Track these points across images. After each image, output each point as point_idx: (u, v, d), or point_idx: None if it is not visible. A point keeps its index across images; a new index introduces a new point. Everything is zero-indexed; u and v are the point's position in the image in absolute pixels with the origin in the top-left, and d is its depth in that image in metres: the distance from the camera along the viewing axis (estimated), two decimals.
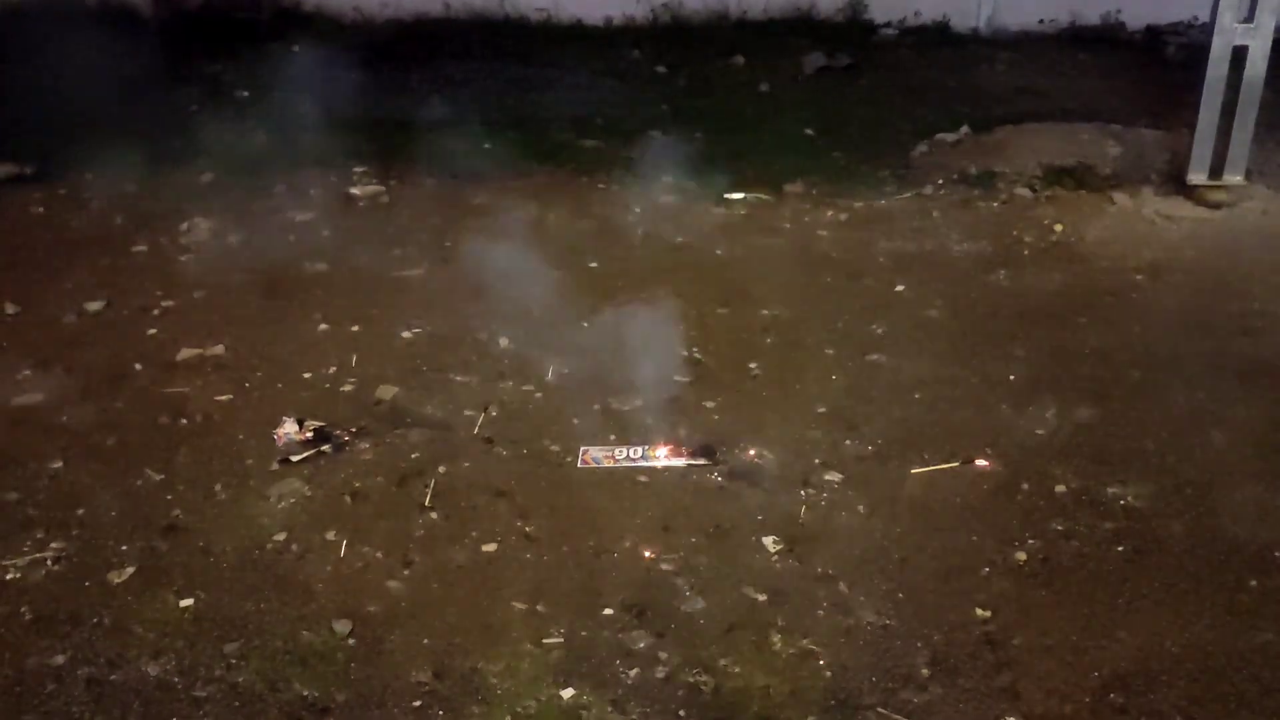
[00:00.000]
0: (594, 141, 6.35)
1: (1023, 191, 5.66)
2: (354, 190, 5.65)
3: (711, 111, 6.87)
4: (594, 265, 4.89)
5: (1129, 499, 3.36)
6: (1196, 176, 5.49)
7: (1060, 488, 3.41)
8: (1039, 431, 3.70)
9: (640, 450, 3.54)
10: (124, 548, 3.13)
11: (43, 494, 3.34)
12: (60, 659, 2.76)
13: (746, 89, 7.26)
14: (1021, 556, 3.13)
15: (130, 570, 3.04)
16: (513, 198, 5.50)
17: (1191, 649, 2.80)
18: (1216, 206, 5.45)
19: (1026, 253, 5.06)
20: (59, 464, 3.48)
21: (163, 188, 5.56)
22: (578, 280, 4.67)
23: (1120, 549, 3.15)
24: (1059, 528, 3.24)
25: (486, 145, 6.06)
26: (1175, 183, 5.59)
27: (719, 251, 5.09)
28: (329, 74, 7.01)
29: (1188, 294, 4.66)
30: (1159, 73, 7.21)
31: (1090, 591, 3.00)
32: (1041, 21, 8.28)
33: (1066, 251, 5.07)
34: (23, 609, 2.91)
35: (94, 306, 4.46)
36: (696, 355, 4.14)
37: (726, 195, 5.68)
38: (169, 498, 3.35)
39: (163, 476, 3.44)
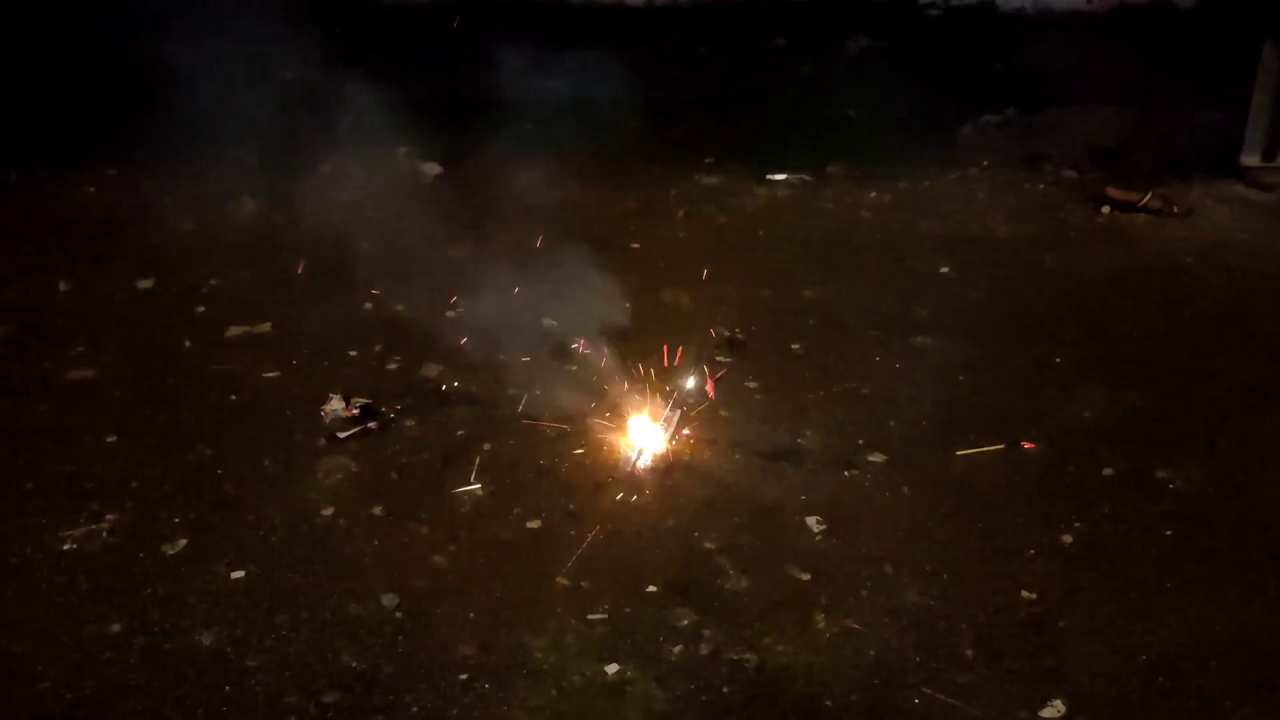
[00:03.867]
0: (635, 122, 6.34)
1: (1069, 173, 5.59)
2: (398, 170, 5.69)
3: (753, 92, 6.83)
4: (636, 246, 4.89)
5: (1178, 483, 3.32)
6: (1249, 159, 5.40)
7: (1107, 470, 3.38)
8: (1085, 414, 3.67)
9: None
10: (177, 520, 3.19)
11: (98, 467, 3.41)
12: (116, 627, 2.82)
13: (788, 70, 7.21)
14: (1068, 539, 3.11)
15: (183, 542, 3.10)
16: (555, 178, 5.50)
17: (1241, 634, 2.78)
18: (1269, 189, 5.35)
19: (1073, 235, 5.00)
20: (113, 438, 3.54)
21: (210, 168, 5.62)
22: (619, 261, 4.67)
23: (1169, 532, 3.12)
24: (1106, 510, 3.22)
25: (529, 126, 6.07)
26: (1227, 165, 5.49)
27: (761, 232, 5.07)
28: (372, 54, 7.04)
29: (1239, 277, 4.59)
30: (1210, 53, 7.06)
31: (1137, 574, 2.97)
32: (1089, 1, 8.14)
33: (1114, 234, 5.00)
34: (80, 579, 2.97)
35: (144, 284, 4.53)
36: (739, 335, 4.14)
37: (769, 176, 5.65)
38: (219, 472, 3.40)
39: (213, 451, 3.49)
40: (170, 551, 3.07)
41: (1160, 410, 3.67)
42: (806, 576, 2.98)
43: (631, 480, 3.35)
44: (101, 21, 6.85)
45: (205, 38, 6.73)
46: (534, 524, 3.18)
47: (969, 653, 2.74)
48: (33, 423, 3.63)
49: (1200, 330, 4.16)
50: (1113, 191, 5.21)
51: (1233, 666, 2.68)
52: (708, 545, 3.09)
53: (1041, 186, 5.49)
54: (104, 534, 3.13)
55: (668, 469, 3.41)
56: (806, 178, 5.64)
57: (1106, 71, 6.94)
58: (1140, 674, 2.67)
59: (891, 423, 3.62)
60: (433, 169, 5.72)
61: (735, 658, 2.73)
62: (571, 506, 3.25)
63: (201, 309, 4.36)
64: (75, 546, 3.09)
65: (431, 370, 3.89)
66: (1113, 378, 3.84)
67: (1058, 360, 3.96)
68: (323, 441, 3.53)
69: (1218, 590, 2.92)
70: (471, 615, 2.86)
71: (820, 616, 2.85)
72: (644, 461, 3.42)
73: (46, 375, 3.89)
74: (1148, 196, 5.20)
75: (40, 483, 3.33)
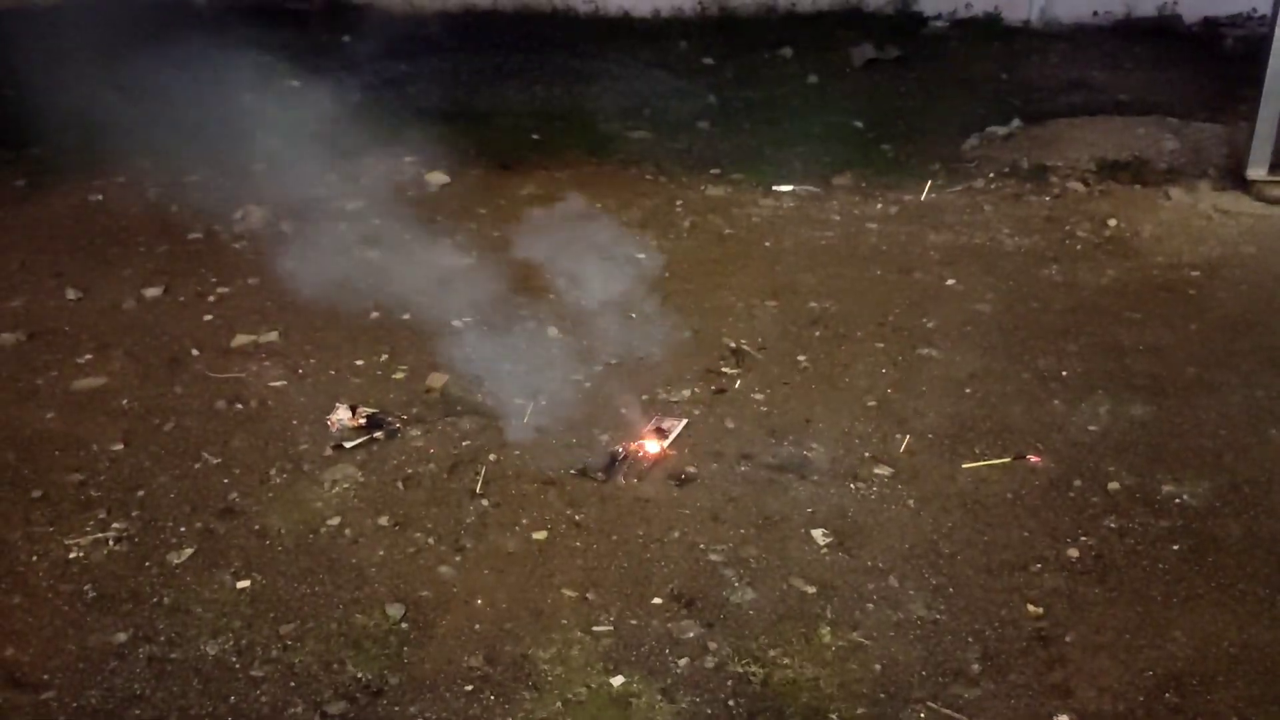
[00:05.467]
0: (642, 133, 6.36)
1: (1076, 186, 5.58)
2: (405, 179, 5.70)
3: (759, 103, 6.85)
4: (641, 257, 4.90)
5: (1185, 497, 3.31)
6: (1256, 171, 5.39)
7: (1114, 485, 3.37)
8: (1092, 428, 3.66)
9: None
10: (183, 529, 3.19)
11: (104, 475, 3.41)
12: (122, 637, 2.82)
13: (794, 81, 7.23)
14: (1074, 553, 3.10)
15: (189, 551, 3.10)
16: (561, 188, 5.52)
17: (1249, 650, 2.77)
18: (1276, 202, 5.34)
19: (1079, 248, 5.00)
20: (120, 446, 3.55)
21: (217, 176, 5.64)
22: (625, 271, 4.67)
23: (1176, 547, 3.11)
24: (1112, 525, 3.21)
25: (535, 136, 6.09)
26: (1233, 178, 5.49)
27: (767, 244, 5.07)
28: (379, 64, 7.08)
29: (1246, 290, 4.58)
30: (1217, 66, 7.09)
31: (1145, 589, 2.97)
32: (1095, 14, 8.16)
33: (1120, 247, 5.00)
34: (86, 587, 2.98)
35: (152, 293, 4.54)
36: (744, 347, 4.14)
37: (774, 187, 5.66)
38: (225, 481, 3.41)
39: (219, 460, 3.50)
40: (176, 560, 3.07)
41: (1167, 424, 3.67)
42: (812, 589, 2.98)
43: (635, 490, 3.35)
44: (112, 29, 6.89)
45: (213, 47, 6.77)
46: (539, 535, 3.18)
47: (975, 667, 2.73)
48: (40, 430, 3.63)
49: (1207, 344, 4.15)
50: None
51: (1241, 682, 2.67)
52: (713, 557, 3.09)
53: (1047, 199, 5.48)
54: (110, 542, 3.14)
55: (673, 479, 3.40)
56: (813, 189, 5.65)
57: (1113, 83, 6.96)
58: (1148, 690, 2.66)
59: (898, 435, 3.62)
60: (439, 178, 5.73)
61: (741, 670, 2.73)
62: (577, 517, 3.24)
63: (209, 317, 4.37)
64: (82, 555, 3.09)
65: (437, 380, 3.89)
66: (1119, 391, 3.84)
67: (1064, 373, 3.96)
68: (329, 451, 3.54)
69: (1225, 606, 2.91)
70: (477, 626, 2.86)
71: (826, 630, 2.84)
72: (640, 465, 3.43)
73: (54, 383, 3.90)
74: None
75: (48, 490, 3.34)
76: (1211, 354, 4.08)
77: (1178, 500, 3.31)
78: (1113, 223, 5.20)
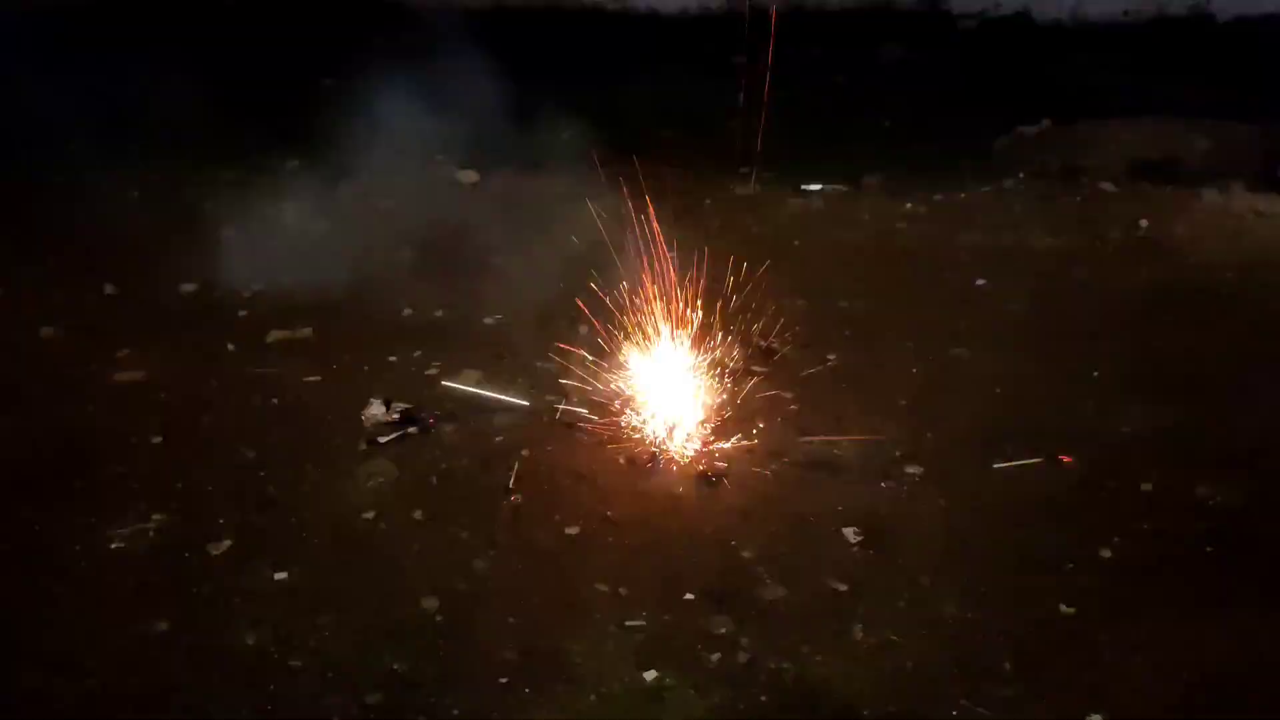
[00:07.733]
0: (670, 132, 6.37)
1: (1107, 186, 5.56)
2: (436, 177, 5.74)
3: (788, 102, 6.83)
4: (671, 256, 4.90)
5: (1218, 499, 3.30)
6: None
7: (1146, 486, 3.37)
8: (1124, 429, 3.65)
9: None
10: (221, 521, 3.23)
11: (144, 468, 3.46)
12: (163, 626, 2.86)
13: (824, 80, 7.22)
14: (1106, 553, 3.10)
15: (228, 543, 3.15)
16: (591, 187, 5.51)
17: None
18: None
19: (1111, 248, 4.98)
20: (159, 439, 3.60)
21: (250, 173, 5.70)
22: (655, 270, 4.68)
23: (1209, 549, 3.11)
24: (1145, 526, 3.20)
25: (565, 135, 6.11)
26: (1267, 178, 5.45)
27: (796, 243, 5.08)
28: (409, 63, 7.10)
29: (1279, 293, 4.55)
30: (1250, 66, 7.02)
31: (1178, 591, 2.96)
32: (1126, 13, 8.11)
33: (1153, 247, 4.97)
34: (127, 578, 3.02)
35: (188, 288, 4.60)
36: (775, 346, 4.15)
37: (803, 186, 5.67)
38: (262, 474, 3.45)
39: (256, 454, 3.54)
40: (215, 552, 3.12)
41: (1199, 426, 3.65)
42: (844, 587, 2.99)
43: (667, 487, 3.37)
44: (143, 26, 6.96)
45: (243, 44, 6.84)
46: (572, 530, 3.20)
47: (1007, 666, 2.74)
48: (81, 423, 3.69)
49: (1240, 345, 4.13)
50: None
51: (1275, 685, 2.66)
52: (745, 554, 3.11)
53: (1078, 199, 5.47)
54: (151, 534, 3.18)
55: (705, 477, 3.42)
56: (842, 188, 5.65)
57: (1144, 82, 6.92)
58: (1181, 691, 2.65)
59: (928, 435, 3.62)
60: (469, 176, 5.77)
61: (773, 667, 2.74)
62: (609, 513, 3.27)
63: (244, 313, 4.43)
64: (124, 545, 3.14)
65: (470, 376, 3.93)
66: (1151, 393, 3.82)
67: (1095, 374, 3.95)
68: (363, 445, 3.58)
69: (1259, 608, 2.90)
70: (511, 620, 2.89)
71: (858, 627, 2.85)
72: (678, 468, 3.45)
73: (94, 376, 3.96)
74: None
75: (89, 483, 3.39)
76: (1245, 355, 4.06)
77: (1211, 502, 3.30)
78: (1144, 223, 5.17)
